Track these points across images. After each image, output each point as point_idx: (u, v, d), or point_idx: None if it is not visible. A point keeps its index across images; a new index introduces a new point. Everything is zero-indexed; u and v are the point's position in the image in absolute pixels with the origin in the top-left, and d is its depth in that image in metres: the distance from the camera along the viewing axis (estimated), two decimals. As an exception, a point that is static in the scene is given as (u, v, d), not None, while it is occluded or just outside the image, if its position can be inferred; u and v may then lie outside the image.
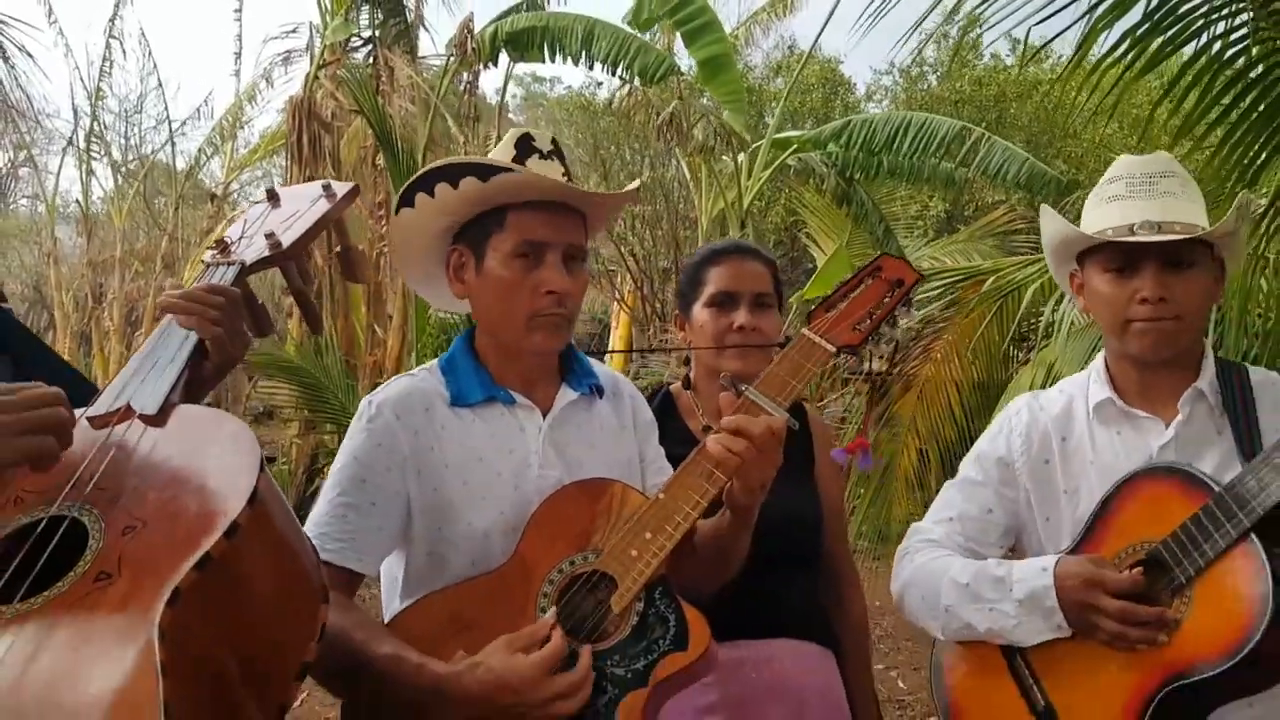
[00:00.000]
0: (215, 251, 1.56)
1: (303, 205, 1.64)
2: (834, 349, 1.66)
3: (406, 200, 1.69)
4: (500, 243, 1.66)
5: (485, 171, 1.62)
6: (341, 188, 1.69)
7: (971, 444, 2.02)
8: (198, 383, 1.38)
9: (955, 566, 1.83)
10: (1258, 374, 1.78)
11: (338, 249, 1.77)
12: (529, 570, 1.56)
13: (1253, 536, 1.53)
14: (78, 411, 1.18)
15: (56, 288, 16.28)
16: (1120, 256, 1.74)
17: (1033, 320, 5.12)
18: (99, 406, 1.24)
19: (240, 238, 1.59)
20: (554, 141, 1.74)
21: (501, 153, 1.71)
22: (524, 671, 1.38)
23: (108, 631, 0.95)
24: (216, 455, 1.15)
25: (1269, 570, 1.50)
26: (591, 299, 15.67)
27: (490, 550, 1.61)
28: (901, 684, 5.60)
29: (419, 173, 1.69)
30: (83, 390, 1.34)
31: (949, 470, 5.34)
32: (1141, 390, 1.80)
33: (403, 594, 1.67)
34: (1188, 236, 1.69)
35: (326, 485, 1.65)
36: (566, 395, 1.75)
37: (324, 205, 1.64)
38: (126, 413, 1.22)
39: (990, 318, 4.99)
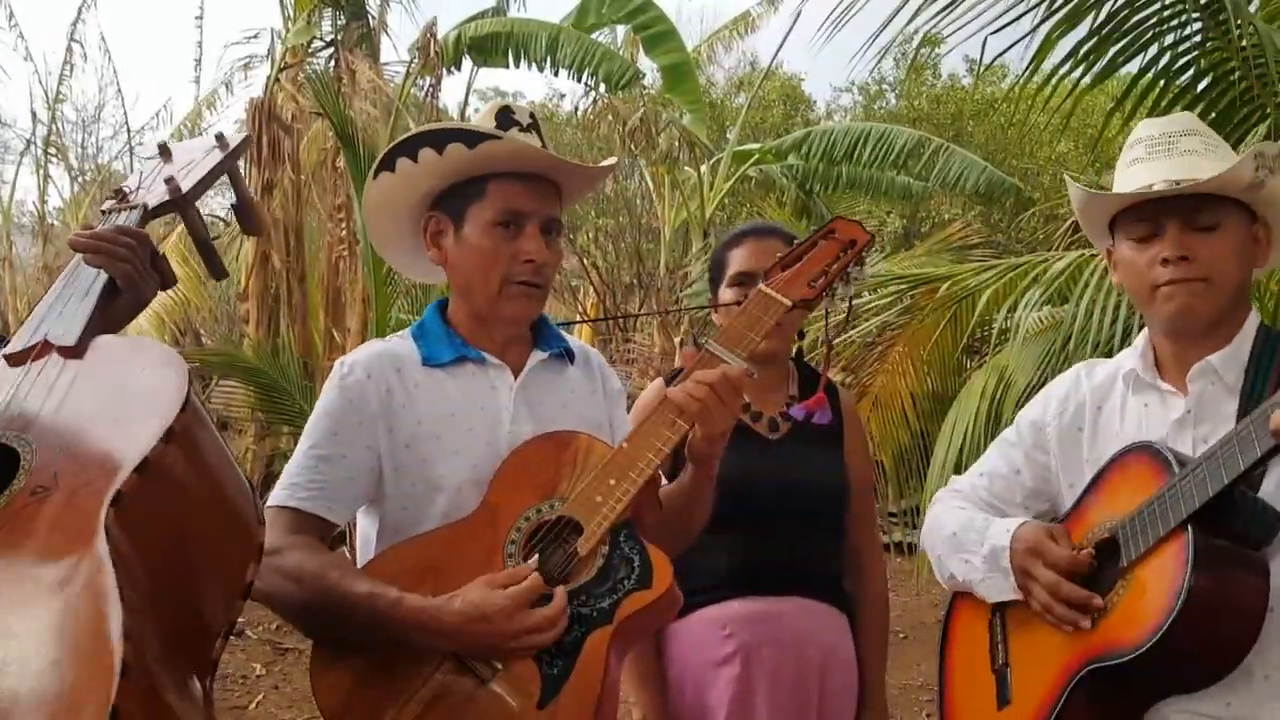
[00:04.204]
0: (114, 200, 1.58)
1: (197, 155, 1.68)
2: (790, 303, 1.71)
3: (387, 164, 1.71)
4: (480, 211, 1.70)
5: (472, 138, 1.65)
6: (235, 138, 1.71)
7: (926, 451, 2.01)
8: (110, 321, 1.39)
9: (955, 518, 1.84)
10: None
11: (233, 203, 1.77)
12: (496, 518, 1.60)
13: (1189, 526, 1.47)
14: None
15: (11, 293, 15.99)
16: (1143, 223, 1.67)
17: (985, 329, 5.18)
18: (15, 344, 1.25)
19: (138, 187, 1.62)
20: (532, 115, 1.78)
21: (482, 123, 1.74)
22: (500, 603, 1.43)
23: (50, 537, 0.96)
24: (145, 372, 1.17)
25: (1190, 563, 1.44)
26: (554, 311, 15.65)
27: (463, 504, 1.64)
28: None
29: (404, 136, 1.71)
30: None
31: (903, 477, 5.40)
32: (1174, 362, 1.70)
33: (376, 550, 1.70)
34: (1190, 189, 1.58)
35: (300, 440, 1.69)
36: (537, 356, 1.79)
37: (218, 155, 1.67)
38: (45, 347, 1.22)
39: (945, 324, 5.04)
